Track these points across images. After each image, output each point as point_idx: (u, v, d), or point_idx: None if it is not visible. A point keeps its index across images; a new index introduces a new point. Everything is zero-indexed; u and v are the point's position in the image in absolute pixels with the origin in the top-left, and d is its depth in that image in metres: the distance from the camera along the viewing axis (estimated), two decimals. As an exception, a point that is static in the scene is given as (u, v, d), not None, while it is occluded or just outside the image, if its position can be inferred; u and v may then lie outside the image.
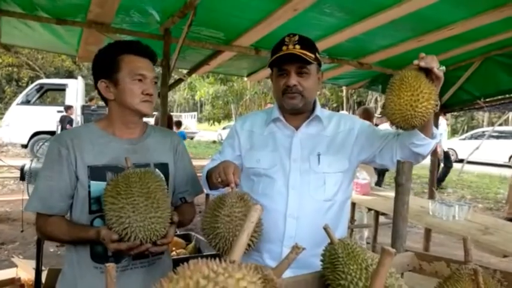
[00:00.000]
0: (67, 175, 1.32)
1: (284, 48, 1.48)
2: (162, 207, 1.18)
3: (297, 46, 1.46)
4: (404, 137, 1.42)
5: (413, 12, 2.51)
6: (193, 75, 4.62)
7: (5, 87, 24.71)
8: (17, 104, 12.65)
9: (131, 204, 1.13)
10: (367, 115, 4.94)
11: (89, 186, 1.33)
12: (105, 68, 1.38)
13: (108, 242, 1.19)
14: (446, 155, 9.34)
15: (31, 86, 13.68)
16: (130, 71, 1.35)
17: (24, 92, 13.14)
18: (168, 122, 4.77)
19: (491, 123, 20.83)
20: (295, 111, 1.55)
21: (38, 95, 13.40)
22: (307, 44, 1.50)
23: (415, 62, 1.18)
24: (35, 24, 2.83)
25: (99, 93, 1.42)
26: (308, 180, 1.50)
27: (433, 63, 1.17)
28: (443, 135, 9.36)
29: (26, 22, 2.78)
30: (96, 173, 1.34)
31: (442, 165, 9.44)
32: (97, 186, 1.33)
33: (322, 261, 0.90)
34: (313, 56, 1.48)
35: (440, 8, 2.56)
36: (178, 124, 11.57)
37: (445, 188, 9.47)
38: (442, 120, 9.38)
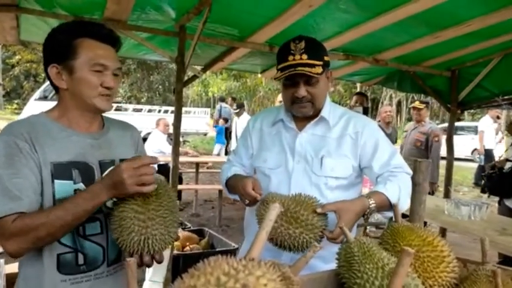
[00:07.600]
0: (36, 169, 1.14)
1: (290, 58, 1.40)
2: (176, 224, 1.17)
3: (304, 56, 1.39)
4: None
5: (431, 8, 2.47)
6: (207, 72, 4.63)
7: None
8: (35, 100, 12.84)
9: (160, 216, 1.09)
10: (362, 98, 5.08)
11: (53, 186, 1.16)
12: (59, 51, 1.20)
13: (132, 175, 1.05)
14: (487, 153, 9.11)
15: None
16: (89, 59, 1.18)
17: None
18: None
19: (509, 122, 20.34)
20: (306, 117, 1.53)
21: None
22: (315, 50, 1.42)
23: None
24: (53, 22, 2.87)
25: (49, 79, 1.25)
26: (309, 183, 1.48)
27: None
28: (487, 132, 9.13)
29: (44, 19, 2.82)
30: (60, 170, 1.17)
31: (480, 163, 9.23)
32: (62, 186, 1.17)
33: (337, 259, 0.90)
34: (321, 63, 1.41)
35: (458, 4, 2.51)
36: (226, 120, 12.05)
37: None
38: (487, 118, 9.30)
